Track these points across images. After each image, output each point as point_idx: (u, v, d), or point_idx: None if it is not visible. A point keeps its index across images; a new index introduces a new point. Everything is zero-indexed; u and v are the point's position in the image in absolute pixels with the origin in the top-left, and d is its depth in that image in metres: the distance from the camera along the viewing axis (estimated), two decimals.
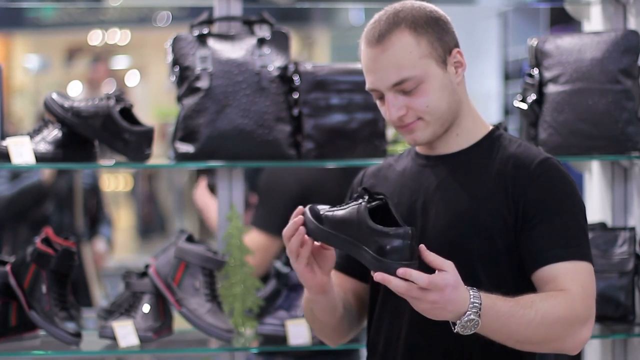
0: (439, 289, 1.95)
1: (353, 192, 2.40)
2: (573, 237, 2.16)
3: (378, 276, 1.95)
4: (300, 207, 2.13)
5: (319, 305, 2.25)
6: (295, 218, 2.12)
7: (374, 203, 2.06)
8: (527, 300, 2.07)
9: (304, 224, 2.10)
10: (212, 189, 3.95)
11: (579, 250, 2.16)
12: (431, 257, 1.99)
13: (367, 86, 2.24)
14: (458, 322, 1.99)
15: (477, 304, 1.99)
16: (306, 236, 2.11)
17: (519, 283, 2.14)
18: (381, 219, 2.05)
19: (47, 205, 5.27)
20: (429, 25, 2.20)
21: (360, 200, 2.06)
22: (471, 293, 1.99)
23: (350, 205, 2.08)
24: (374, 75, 2.21)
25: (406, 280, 1.94)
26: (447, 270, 1.97)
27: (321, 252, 2.15)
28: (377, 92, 2.23)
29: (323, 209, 2.12)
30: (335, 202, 2.15)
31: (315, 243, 2.13)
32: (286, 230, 2.12)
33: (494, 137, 2.29)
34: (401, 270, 1.95)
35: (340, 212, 2.08)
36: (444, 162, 2.28)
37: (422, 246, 2.01)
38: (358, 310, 2.39)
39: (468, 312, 1.98)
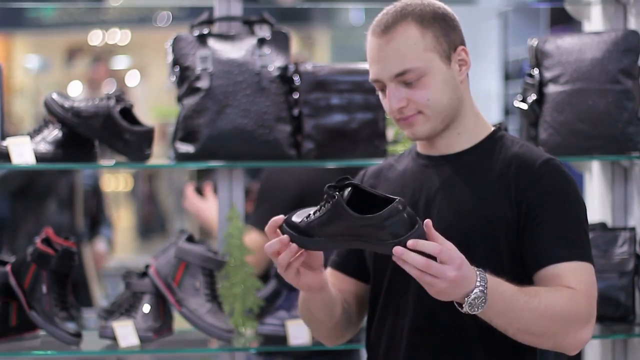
0: (456, 264, 1.94)
1: None
2: (575, 238, 2.17)
3: (398, 251, 1.91)
4: (273, 222, 2.09)
5: (316, 303, 2.24)
6: (277, 235, 2.07)
7: (346, 194, 2.00)
8: (532, 290, 2.08)
9: (290, 238, 2.05)
10: (200, 191, 3.96)
11: (581, 252, 2.16)
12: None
13: (370, 77, 2.25)
14: (466, 299, 1.97)
15: (484, 280, 1.99)
16: (296, 248, 2.05)
17: (521, 283, 2.14)
18: (363, 203, 2.01)
19: (48, 205, 5.27)
20: (436, 20, 2.21)
21: (335, 198, 1.99)
22: (477, 271, 1.99)
23: (327, 209, 2.01)
24: (378, 65, 2.22)
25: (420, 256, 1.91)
26: (453, 248, 1.97)
27: (307, 253, 2.11)
28: (380, 83, 2.24)
29: (300, 219, 2.05)
30: None
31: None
32: (270, 247, 2.07)
33: (496, 138, 2.29)
34: (410, 242, 1.91)
35: (322, 217, 2.01)
36: (446, 162, 2.28)
37: (428, 221, 1.97)
38: (357, 310, 2.38)
39: (476, 289, 1.97)
